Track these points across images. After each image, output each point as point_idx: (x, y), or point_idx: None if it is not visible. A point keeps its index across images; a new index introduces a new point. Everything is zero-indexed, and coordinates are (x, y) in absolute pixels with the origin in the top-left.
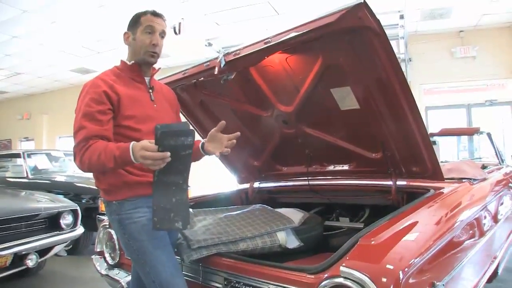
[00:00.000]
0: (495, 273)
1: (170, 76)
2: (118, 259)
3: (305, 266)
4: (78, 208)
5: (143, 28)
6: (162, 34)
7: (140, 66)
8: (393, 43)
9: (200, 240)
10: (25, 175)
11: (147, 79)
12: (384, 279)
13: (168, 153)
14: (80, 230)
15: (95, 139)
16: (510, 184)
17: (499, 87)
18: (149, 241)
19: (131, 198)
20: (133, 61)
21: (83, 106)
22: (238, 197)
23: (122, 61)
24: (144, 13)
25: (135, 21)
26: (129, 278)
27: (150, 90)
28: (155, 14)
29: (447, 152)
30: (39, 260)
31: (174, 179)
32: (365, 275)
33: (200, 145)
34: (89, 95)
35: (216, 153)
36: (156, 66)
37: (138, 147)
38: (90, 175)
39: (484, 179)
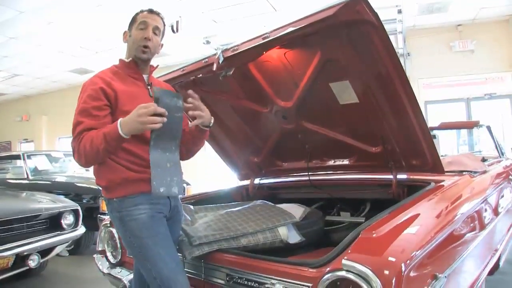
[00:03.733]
0: (496, 265)
1: (169, 73)
2: (120, 258)
3: (307, 260)
4: (79, 208)
5: (137, 25)
6: (156, 30)
7: (137, 63)
8: (391, 38)
9: (202, 236)
10: (26, 176)
11: (145, 76)
12: (386, 272)
13: (165, 110)
14: (81, 230)
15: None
16: (510, 177)
17: (498, 80)
18: (150, 237)
19: (131, 195)
20: (130, 59)
21: (80, 103)
22: (239, 194)
23: (120, 60)
24: (141, 11)
25: (133, 19)
26: (131, 276)
27: (149, 87)
28: (151, 11)
29: (447, 146)
30: (41, 261)
31: (168, 145)
32: (367, 267)
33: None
34: (86, 93)
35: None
36: (154, 63)
37: (133, 112)
38: (90, 175)
39: (485, 172)
